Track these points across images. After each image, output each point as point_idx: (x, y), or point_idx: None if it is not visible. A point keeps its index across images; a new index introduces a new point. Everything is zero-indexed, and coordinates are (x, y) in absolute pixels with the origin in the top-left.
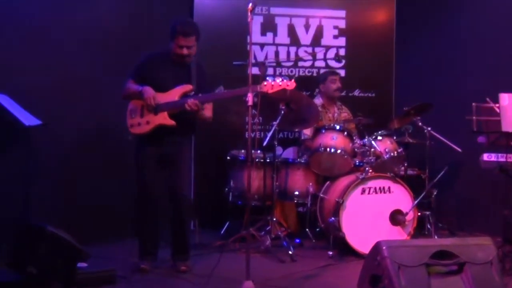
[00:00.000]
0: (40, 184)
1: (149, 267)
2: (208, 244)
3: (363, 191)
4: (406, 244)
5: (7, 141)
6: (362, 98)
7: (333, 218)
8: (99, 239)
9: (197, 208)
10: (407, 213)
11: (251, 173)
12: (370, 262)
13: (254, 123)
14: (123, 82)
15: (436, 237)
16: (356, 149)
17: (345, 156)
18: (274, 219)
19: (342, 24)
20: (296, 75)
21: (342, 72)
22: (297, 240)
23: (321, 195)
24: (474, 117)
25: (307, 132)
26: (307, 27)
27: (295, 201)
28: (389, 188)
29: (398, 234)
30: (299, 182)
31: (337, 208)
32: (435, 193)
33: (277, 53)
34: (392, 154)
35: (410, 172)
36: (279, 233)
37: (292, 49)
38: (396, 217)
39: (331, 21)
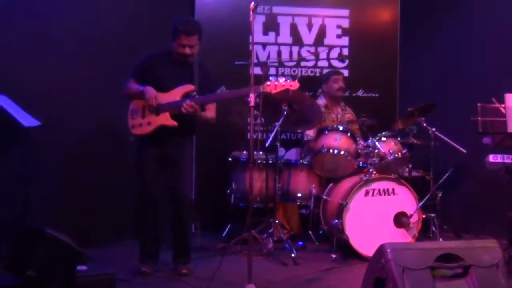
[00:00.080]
0: (40, 185)
1: (150, 270)
2: (210, 247)
3: (367, 193)
4: (410, 247)
5: (6, 142)
6: (365, 99)
7: (336, 221)
8: (99, 240)
9: (198, 210)
10: (411, 215)
11: (253, 174)
12: (374, 265)
13: (256, 124)
14: (124, 82)
15: (441, 239)
16: (359, 150)
17: (349, 158)
18: (277, 221)
19: (345, 23)
20: (299, 75)
21: (346, 72)
22: (300, 243)
23: (324, 197)
24: (479, 118)
25: (310, 133)
26: (310, 26)
27: (298, 203)
28: (393, 190)
29: (403, 236)
30: (302, 184)
31: (341, 210)
32: (440, 195)
33: (279, 53)
34: (396, 155)
35: (414, 173)
36: (282, 235)
37: (295, 49)
38: (400, 220)
39: (334, 20)
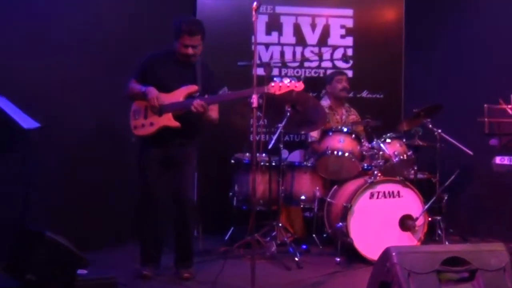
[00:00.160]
0: (40, 185)
1: (151, 273)
2: (212, 251)
3: (372, 195)
4: (416, 250)
5: (6, 143)
6: (370, 100)
7: (340, 224)
8: (99, 242)
9: (200, 213)
10: (417, 218)
11: (256, 177)
12: (379, 269)
13: (259, 126)
14: (124, 82)
15: (447, 243)
16: (364, 152)
17: (353, 160)
18: (280, 224)
19: (349, 23)
20: (302, 75)
21: (350, 73)
22: (304, 246)
23: (328, 199)
24: (486, 119)
25: (314, 134)
26: (313, 26)
27: (302, 206)
28: (398, 192)
29: (408, 240)
30: (305, 186)
31: (345, 213)
32: (446, 197)
33: (282, 53)
34: (401, 157)
35: (420, 175)
36: (285, 239)
37: (298, 49)
38: (406, 223)
39: (338, 20)
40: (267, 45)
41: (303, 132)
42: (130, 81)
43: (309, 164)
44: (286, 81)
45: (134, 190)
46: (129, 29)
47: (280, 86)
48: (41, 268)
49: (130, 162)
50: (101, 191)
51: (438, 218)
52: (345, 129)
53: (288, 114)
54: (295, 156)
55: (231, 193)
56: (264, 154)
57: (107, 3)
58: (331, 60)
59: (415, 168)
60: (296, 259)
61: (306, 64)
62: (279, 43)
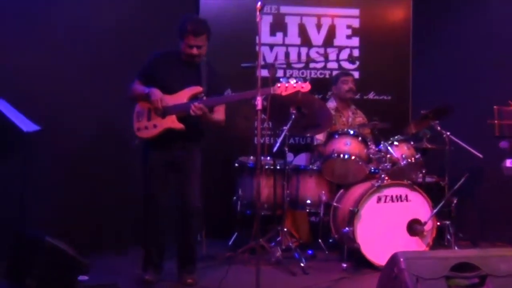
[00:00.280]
0: (40, 188)
1: (154, 279)
2: (216, 256)
3: (379, 199)
4: (424, 255)
5: (7, 146)
6: (377, 101)
7: (347, 228)
8: (100, 247)
9: (204, 218)
10: (425, 223)
11: (260, 180)
12: (387, 274)
13: (263, 128)
14: (127, 83)
15: (456, 248)
16: (371, 155)
17: (360, 163)
18: (285, 229)
19: (355, 23)
20: (308, 77)
21: (356, 74)
22: (309, 252)
23: (335, 204)
24: (496, 121)
25: (320, 137)
26: (318, 26)
27: (307, 210)
28: (406, 196)
29: (416, 245)
30: (311, 190)
31: (352, 217)
32: (455, 201)
33: (287, 54)
34: (409, 160)
35: (428, 179)
36: (290, 244)
37: (303, 50)
38: (414, 227)
39: (344, 20)
40: (271, 46)
41: (308, 135)
42: (133, 82)
43: (314, 168)
44: (293, 81)
45: (135, 193)
46: (130, 30)
47: (287, 87)
48: (41, 274)
49: (131, 164)
50: (102, 193)
51: (447, 222)
52: (351, 132)
53: (293, 116)
54: (301, 159)
55: (235, 197)
56: (268, 157)
57: (107, 3)
58: (337, 61)
59: (424, 171)
60: (302, 264)
61: (312, 65)
62: (283, 44)
